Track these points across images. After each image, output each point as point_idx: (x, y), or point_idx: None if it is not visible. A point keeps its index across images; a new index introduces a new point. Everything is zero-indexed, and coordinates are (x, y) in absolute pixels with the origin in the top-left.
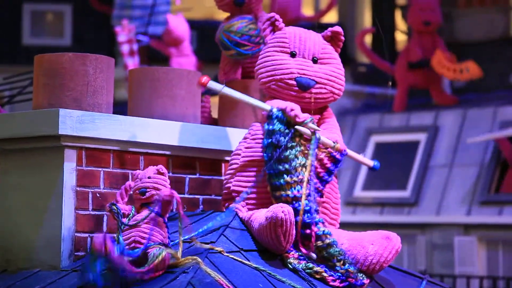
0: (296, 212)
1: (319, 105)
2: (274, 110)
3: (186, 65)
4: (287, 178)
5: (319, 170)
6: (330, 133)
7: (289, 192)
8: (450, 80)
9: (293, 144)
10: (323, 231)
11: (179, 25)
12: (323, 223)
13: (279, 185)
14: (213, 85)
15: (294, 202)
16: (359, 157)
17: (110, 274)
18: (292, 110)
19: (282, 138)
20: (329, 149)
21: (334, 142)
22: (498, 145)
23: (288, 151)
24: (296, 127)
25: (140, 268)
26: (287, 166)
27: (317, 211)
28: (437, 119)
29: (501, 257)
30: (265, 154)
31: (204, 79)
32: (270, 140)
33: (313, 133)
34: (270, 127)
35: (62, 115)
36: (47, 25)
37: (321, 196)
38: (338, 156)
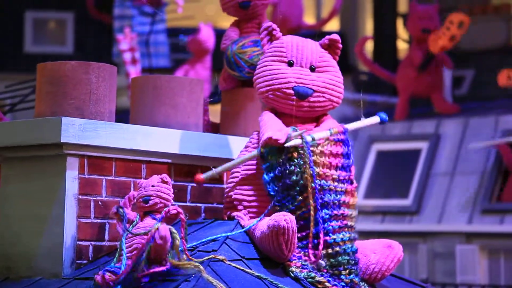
0: (317, 223)
1: (318, 113)
2: (261, 150)
3: (204, 78)
4: (300, 198)
5: (336, 161)
6: (320, 128)
7: (305, 209)
8: (450, 43)
9: (292, 164)
10: (334, 239)
11: (209, 37)
12: (340, 228)
13: (294, 208)
14: (207, 175)
15: (308, 216)
16: (362, 122)
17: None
18: (270, 138)
19: (282, 167)
20: (330, 138)
21: (329, 130)
22: (499, 152)
23: (293, 176)
24: (286, 145)
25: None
26: (297, 188)
27: (335, 216)
28: (438, 128)
29: (503, 266)
30: (270, 189)
31: (197, 177)
32: (272, 174)
33: (301, 137)
34: (267, 164)
35: (65, 123)
36: (49, 33)
37: (351, 183)
38: (341, 136)
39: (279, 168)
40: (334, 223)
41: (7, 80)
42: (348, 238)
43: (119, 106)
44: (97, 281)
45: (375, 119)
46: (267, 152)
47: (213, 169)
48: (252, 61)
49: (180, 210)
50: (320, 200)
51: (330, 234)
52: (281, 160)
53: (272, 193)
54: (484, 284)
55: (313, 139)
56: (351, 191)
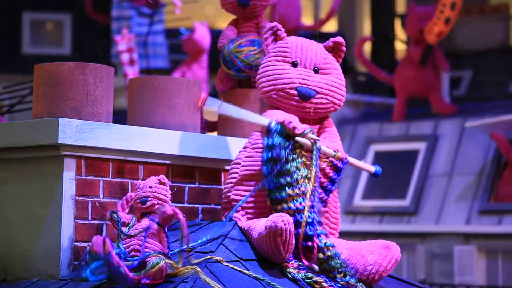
0: (298, 224)
1: (320, 115)
2: (273, 124)
3: (201, 78)
4: (289, 191)
5: (322, 179)
6: (330, 142)
7: (291, 205)
8: (446, 26)
9: (294, 156)
10: (325, 243)
11: (205, 36)
12: (326, 234)
13: (280, 198)
14: (211, 102)
15: (296, 214)
16: (361, 163)
17: (106, 270)
18: (290, 122)
19: (282, 152)
20: (330, 158)
21: (335, 151)
22: (496, 152)
23: (289, 164)
24: (296, 138)
25: (137, 274)
26: (288, 179)
27: (320, 223)
28: (436, 128)
29: (501, 267)
30: (264, 168)
31: (202, 98)
32: (270, 154)
33: (314, 143)
34: (270, 141)
35: (62, 124)
36: (46, 34)
37: (325, 206)
38: (339, 164)
39: (277, 151)
40: (321, 228)
41: (5, 82)
42: (333, 244)
43: (117, 107)
44: (94, 243)
45: (372, 168)
46: (277, 130)
47: (222, 103)
48: (248, 60)
49: (176, 210)
50: (310, 202)
51: (321, 239)
52: (284, 146)
53: (265, 173)
54: (482, 285)
55: (319, 149)
56: (323, 212)
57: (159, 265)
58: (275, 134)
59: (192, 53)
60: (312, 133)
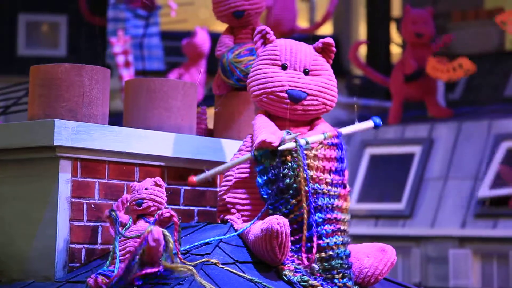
0: (310, 226)
1: (311, 117)
2: (255, 153)
3: (199, 83)
4: (294, 201)
5: (330, 165)
6: (314, 131)
7: (297, 213)
8: (447, 81)
9: (286, 167)
10: (328, 243)
11: (205, 41)
12: (333, 232)
13: (288, 212)
14: (200, 177)
15: (307, 217)
16: (356, 126)
17: None
18: (263, 141)
19: (275, 170)
20: (324, 142)
21: (323, 133)
22: (491, 156)
23: (287, 179)
24: (279, 149)
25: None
26: (291, 191)
27: (328, 220)
28: (432, 132)
29: (496, 270)
30: (263, 192)
31: (192, 179)
32: (266, 177)
33: (295, 141)
34: (260, 167)
35: (58, 125)
36: (42, 35)
37: (344, 187)
38: (335, 140)
39: (272, 171)
40: (327, 226)
41: (0, 83)
42: (341, 242)
43: (112, 109)
44: (89, 284)
45: (369, 123)
46: (261, 155)
47: (206, 171)
48: (248, 70)
49: (173, 213)
50: (313, 204)
51: (324, 238)
52: (274, 163)
53: (265, 196)
54: None
55: (307, 143)
56: (344, 195)
57: (150, 227)
58: (261, 159)
59: (191, 57)
60: (289, 134)
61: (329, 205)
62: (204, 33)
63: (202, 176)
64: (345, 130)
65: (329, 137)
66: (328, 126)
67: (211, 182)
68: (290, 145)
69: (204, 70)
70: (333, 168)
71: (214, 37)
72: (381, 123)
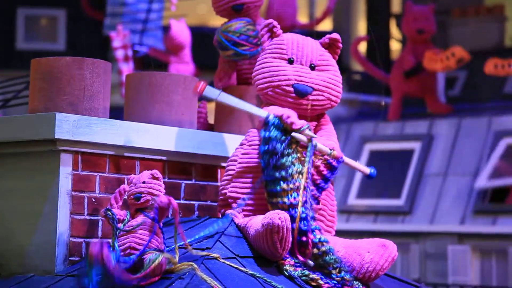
0: (293, 219)
1: (316, 112)
2: (271, 117)
3: (185, 73)
4: (284, 185)
5: (316, 177)
6: (327, 140)
7: (285, 199)
8: (442, 71)
9: (289, 151)
10: (320, 238)
11: (181, 32)
12: (319, 230)
13: (275, 192)
14: (210, 91)
15: (290, 209)
16: (356, 164)
17: (107, 281)
18: (288, 117)
19: (278, 145)
20: (326, 156)
21: (330, 149)
22: (490, 154)
23: (284, 158)
24: (293, 134)
25: (136, 274)
26: (283, 173)
27: (313, 218)
28: (431, 128)
29: (495, 267)
30: (261, 161)
31: (201, 85)
32: (266, 147)
33: (310, 140)
34: (267, 134)
35: (59, 119)
36: (41, 30)
37: (318, 203)
38: (334, 163)
39: (274, 143)
40: (315, 223)
41: None
42: (326, 240)
43: (111, 104)
44: (91, 252)
45: (366, 170)
46: (274, 124)
47: (221, 91)
48: (241, 31)
49: (172, 200)
50: (303, 198)
51: (315, 234)
52: (281, 139)
53: (262, 165)
54: (476, 284)
55: (315, 146)
56: (314, 208)
57: (158, 260)
58: (272, 127)
59: (172, 50)
60: (309, 130)
61: (312, 206)
62: (179, 24)
63: (212, 92)
64: (347, 160)
65: (333, 156)
66: (336, 142)
67: (211, 176)
68: (303, 138)
69: (190, 61)
70: (317, 182)
71: (212, 32)
72: (375, 174)
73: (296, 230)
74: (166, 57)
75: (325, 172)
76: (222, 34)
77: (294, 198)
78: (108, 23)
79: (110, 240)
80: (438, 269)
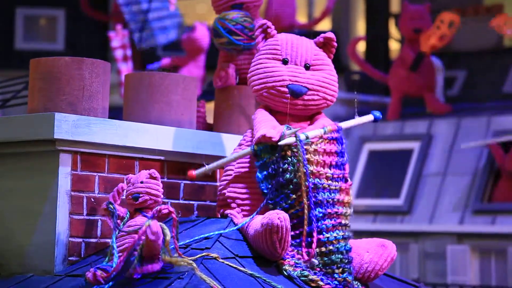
0: (310, 221)
1: (312, 112)
2: (255, 147)
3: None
4: (294, 196)
5: (330, 159)
6: (314, 126)
7: (298, 208)
8: (440, 43)
9: (286, 162)
10: (328, 237)
11: (204, 36)
12: (333, 226)
13: (288, 207)
14: (200, 171)
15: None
16: (356, 120)
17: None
18: (263, 136)
19: (275, 165)
20: (324, 136)
21: (323, 128)
22: (491, 152)
23: (287, 174)
24: (279, 144)
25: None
26: (291, 186)
27: (327, 215)
28: (430, 128)
29: (494, 266)
30: (263, 187)
31: (190, 173)
32: (265, 172)
33: (295, 135)
34: (261, 162)
35: (58, 119)
36: (40, 29)
37: (346, 181)
38: (335, 135)
39: (272, 166)
40: (327, 221)
41: None
42: (341, 237)
43: (110, 104)
44: (88, 278)
45: (369, 117)
46: (261, 149)
47: (206, 165)
48: (237, 21)
49: (171, 209)
50: (313, 199)
51: (324, 233)
52: (274, 158)
53: (265, 191)
54: (475, 284)
55: (307, 137)
56: (345, 189)
57: (149, 222)
58: (261, 154)
59: (190, 52)
60: (289, 128)
61: (330, 199)
62: (203, 28)
63: (201, 170)
64: (345, 124)
65: (329, 131)
66: (328, 120)
67: (210, 176)
68: (290, 140)
69: (203, 66)
70: (333, 162)
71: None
72: (381, 116)
73: (304, 232)
74: (183, 61)
75: (335, 149)
76: (218, 21)
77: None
78: (139, 36)
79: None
80: (438, 268)
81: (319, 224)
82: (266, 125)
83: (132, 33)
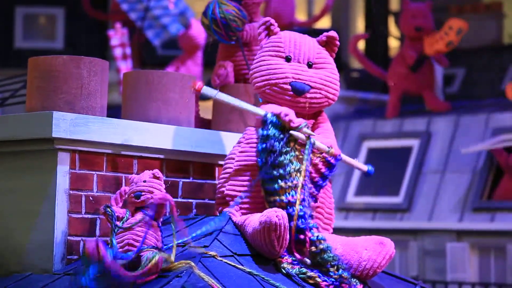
0: (290, 217)
1: (314, 110)
2: (269, 115)
3: (196, 75)
4: (281, 183)
5: (314, 175)
6: (325, 138)
7: (283, 198)
8: (448, 49)
9: (287, 149)
10: (317, 236)
11: (201, 32)
12: (317, 228)
13: (273, 190)
14: (207, 90)
15: (288, 207)
16: (354, 162)
17: (104, 278)
18: (286, 115)
19: (276, 143)
20: (324, 154)
21: (328, 147)
22: (492, 154)
23: (282, 156)
24: (291, 132)
25: (134, 272)
26: (281, 171)
27: (311, 217)
28: (429, 125)
29: (493, 264)
30: (259, 159)
31: (198, 84)
32: (264, 145)
33: (308, 137)
34: (265, 132)
35: (56, 118)
36: (39, 28)
37: (315, 201)
38: (332, 161)
39: (272, 141)
40: (313, 221)
41: None
42: (323, 238)
43: (109, 102)
44: (87, 249)
45: (364, 167)
46: (272, 122)
47: (218, 91)
48: (227, 16)
49: (168, 196)
50: (302, 196)
51: (313, 232)
52: (278, 136)
53: (259, 164)
54: (474, 282)
55: (314, 144)
56: (312, 206)
57: (154, 259)
58: (270, 125)
59: (187, 49)
60: (307, 128)
61: (311, 201)
62: (199, 25)
63: (210, 90)
64: (345, 157)
65: (331, 154)
66: (334, 140)
67: (209, 174)
68: (301, 136)
69: (201, 63)
70: (315, 180)
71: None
72: (373, 172)
73: (293, 228)
74: (181, 59)
75: (323, 170)
76: (214, 3)
77: (292, 196)
78: (154, 36)
79: (107, 238)
80: (437, 266)
81: (309, 221)
82: (291, 111)
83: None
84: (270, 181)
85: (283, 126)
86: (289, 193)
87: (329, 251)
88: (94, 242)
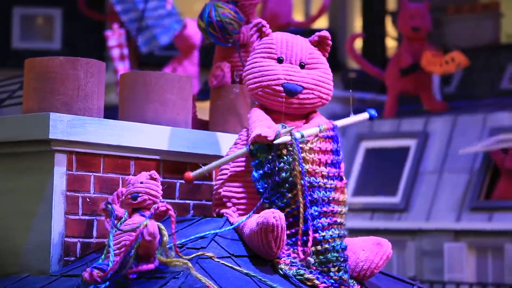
0: (306, 220)
1: (307, 110)
2: (251, 147)
3: (193, 75)
4: (290, 195)
5: (326, 158)
6: (309, 125)
7: (294, 206)
8: (441, 75)
9: (281, 161)
10: (324, 236)
11: (196, 32)
12: (328, 225)
13: (284, 205)
14: (196, 172)
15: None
16: (351, 118)
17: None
18: (258, 135)
19: (271, 164)
20: (319, 134)
21: (318, 126)
22: (490, 154)
23: (283, 173)
24: (275, 142)
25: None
26: (287, 185)
27: (323, 213)
28: (427, 125)
29: (491, 264)
30: (259, 186)
31: (187, 175)
32: (261, 171)
33: (290, 134)
34: (256, 161)
35: (53, 119)
36: (37, 29)
37: (341, 180)
38: (331, 133)
39: (268, 165)
40: (323, 220)
41: None
42: (337, 235)
43: (107, 103)
44: (84, 278)
45: (364, 115)
46: (256, 149)
47: (202, 166)
48: (223, 19)
49: (169, 206)
50: (309, 197)
51: (319, 231)
52: (270, 157)
53: (261, 190)
54: (472, 282)
55: (302, 136)
56: (340, 187)
57: (146, 222)
58: (257, 153)
59: (183, 49)
60: (285, 127)
61: (325, 198)
62: (194, 25)
63: (198, 171)
64: (340, 122)
65: (324, 129)
66: (323, 118)
67: (207, 176)
68: (285, 138)
69: (197, 62)
70: (329, 161)
71: None
72: (376, 114)
73: (300, 231)
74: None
75: (330, 147)
76: (211, 6)
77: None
78: (143, 43)
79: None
80: (434, 266)
81: (314, 222)
82: (261, 124)
83: (130, 33)
84: (278, 199)
85: (267, 145)
86: (298, 200)
87: (334, 251)
88: (88, 271)
